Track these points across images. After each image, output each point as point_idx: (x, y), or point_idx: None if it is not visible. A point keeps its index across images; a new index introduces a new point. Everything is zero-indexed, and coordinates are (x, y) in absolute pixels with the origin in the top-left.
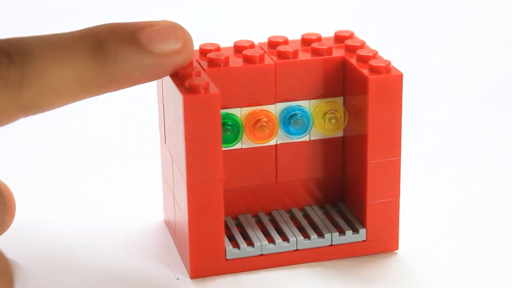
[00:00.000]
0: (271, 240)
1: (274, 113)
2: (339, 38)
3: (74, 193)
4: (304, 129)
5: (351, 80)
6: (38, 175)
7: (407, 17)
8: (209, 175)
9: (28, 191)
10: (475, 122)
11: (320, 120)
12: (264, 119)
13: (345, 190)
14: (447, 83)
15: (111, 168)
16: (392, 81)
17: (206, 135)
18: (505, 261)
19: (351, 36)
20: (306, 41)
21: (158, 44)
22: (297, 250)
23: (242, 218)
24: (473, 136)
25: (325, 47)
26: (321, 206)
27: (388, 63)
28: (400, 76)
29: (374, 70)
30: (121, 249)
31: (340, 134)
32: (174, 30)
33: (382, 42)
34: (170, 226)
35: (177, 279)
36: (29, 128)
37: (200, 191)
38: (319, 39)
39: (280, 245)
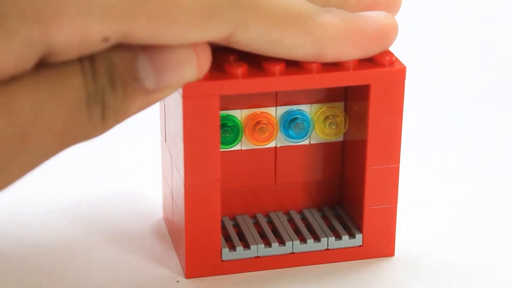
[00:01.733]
0: (267, 243)
1: (275, 116)
2: None
3: (73, 189)
4: (304, 133)
5: (353, 86)
6: (37, 171)
7: (408, 21)
8: (207, 177)
9: (27, 186)
10: (474, 130)
11: (321, 124)
12: (264, 121)
13: (343, 194)
14: (446, 91)
15: (112, 163)
16: (394, 88)
17: (204, 137)
18: (501, 267)
19: None
20: None
21: (168, 79)
22: (293, 253)
23: (239, 219)
24: (471, 144)
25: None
26: (319, 209)
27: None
28: (402, 84)
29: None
30: (118, 245)
31: (340, 138)
32: (189, 57)
33: None
34: (168, 224)
35: (177, 281)
36: None
37: (197, 192)
38: None
39: (276, 248)
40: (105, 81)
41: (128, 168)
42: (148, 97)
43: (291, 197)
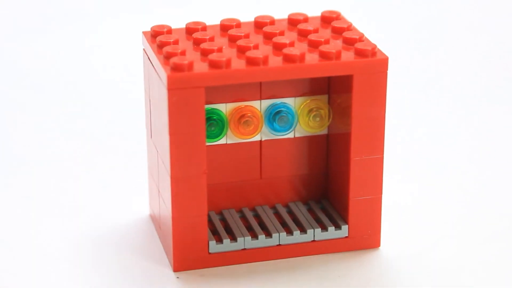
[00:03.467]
0: (254, 235)
1: (259, 109)
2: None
3: (59, 187)
4: (289, 126)
5: (336, 78)
6: (22, 170)
7: (398, 9)
8: (193, 169)
9: (14, 186)
10: (462, 120)
11: (305, 117)
12: (249, 115)
13: (328, 187)
14: (435, 80)
15: (98, 162)
16: (376, 79)
17: (190, 129)
18: (489, 259)
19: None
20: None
21: None
22: (279, 245)
23: (226, 213)
24: (458, 134)
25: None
26: (305, 203)
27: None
28: (384, 74)
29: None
30: (105, 242)
31: (325, 131)
32: None
33: (370, 33)
34: (155, 220)
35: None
36: (13, 121)
37: (183, 185)
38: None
39: (263, 240)
40: None
41: (114, 167)
42: None
43: (277, 190)
